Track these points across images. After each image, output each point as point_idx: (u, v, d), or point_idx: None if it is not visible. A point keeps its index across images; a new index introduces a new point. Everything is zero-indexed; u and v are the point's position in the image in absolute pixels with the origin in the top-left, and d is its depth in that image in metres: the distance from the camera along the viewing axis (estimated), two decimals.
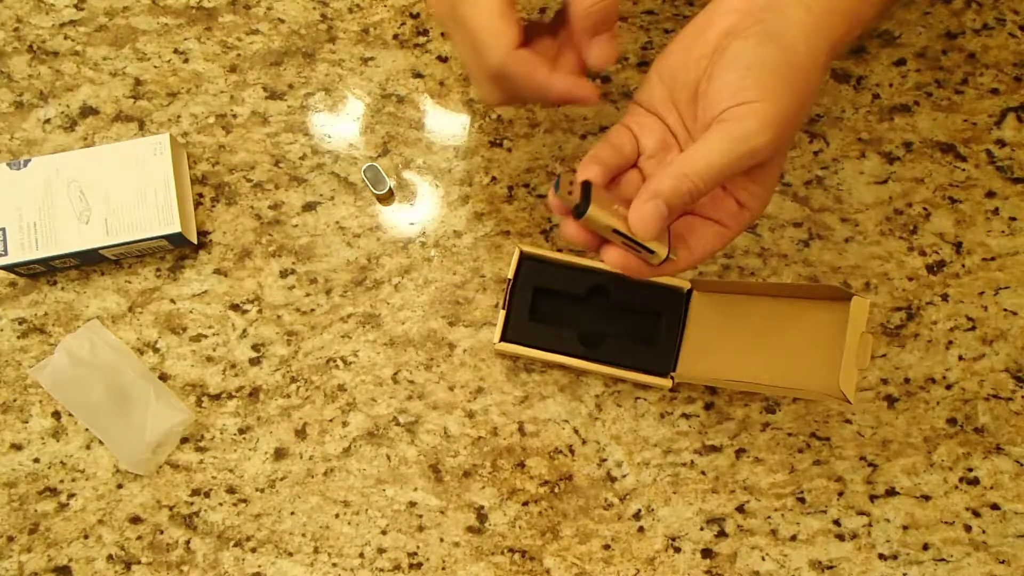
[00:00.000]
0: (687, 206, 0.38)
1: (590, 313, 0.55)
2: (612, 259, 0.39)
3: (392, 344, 0.56)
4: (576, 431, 0.55)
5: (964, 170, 0.58)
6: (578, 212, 0.38)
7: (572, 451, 0.55)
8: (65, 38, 0.60)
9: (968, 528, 0.54)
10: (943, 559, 0.54)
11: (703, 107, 0.39)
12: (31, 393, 0.56)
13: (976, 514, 0.54)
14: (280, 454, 0.55)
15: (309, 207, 0.58)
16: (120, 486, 0.55)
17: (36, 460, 0.55)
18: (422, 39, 0.60)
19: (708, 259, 0.41)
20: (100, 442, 0.55)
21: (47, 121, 0.59)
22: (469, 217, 0.58)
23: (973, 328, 0.56)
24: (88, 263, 0.56)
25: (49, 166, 0.55)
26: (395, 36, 0.60)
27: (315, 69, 0.60)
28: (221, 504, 0.55)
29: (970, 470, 0.55)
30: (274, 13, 0.60)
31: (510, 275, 0.54)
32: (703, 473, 0.55)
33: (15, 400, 0.56)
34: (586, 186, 0.38)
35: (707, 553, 0.54)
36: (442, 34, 0.60)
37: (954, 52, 0.59)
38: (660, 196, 0.37)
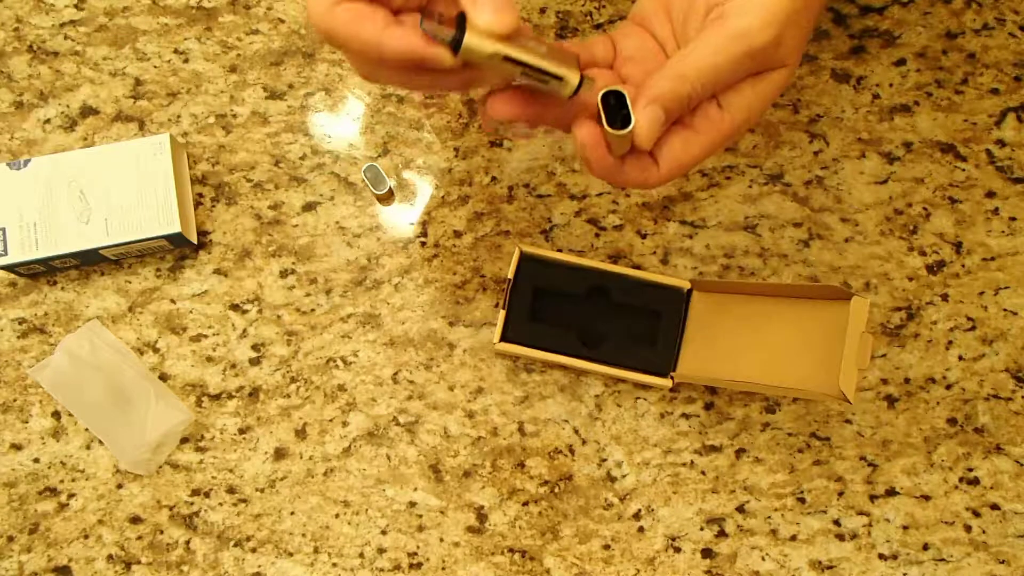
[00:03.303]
0: (684, 111, 0.35)
1: (590, 313, 0.55)
2: (502, 107, 0.34)
3: (392, 344, 0.56)
4: (576, 431, 0.55)
5: (964, 170, 0.58)
6: (455, 44, 0.31)
7: (572, 451, 0.55)
8: (65, 38, 0.60)
9: (968, 528, 0.54)
10: (943, 559, 0.54)
11: (701, 3, 0.36)
12: (31, 393, 0.56)
13: (976, 514, 0.54)
14: (280, 454, 0.55)
15: (309, 207, 0.58)
16: (120, 486, 0.55)
17: (36, 460, 0.55)
18: None
19: (680, 173, 0.36)
20: (100, 442, 0.55)
21: (47, 121, 0.59)
22: (469, 217, 0.58)
23: (973, 328, 0.56)
24: (88, 263, 0.56)
25: (49, 166, 0.55)
26: None
27: (315, 69, 0.60)
28: (221, 504, 0.55)
29: (970, 470, 0.55)
30: (274, 13, 0.60)
31: (510, 275, 0.54)
32: (703, 473, 0.55)
33: (15, 400, 0.56)
34: (461, 15, 0.32)
35: (707, 553, 0.54)
36: None
37: (954, 52, 0.59)
38: (657, 101, 0.33)
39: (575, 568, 0.54)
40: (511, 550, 0.54)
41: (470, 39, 0.31)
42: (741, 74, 0.35)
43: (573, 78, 0.33)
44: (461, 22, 0.31)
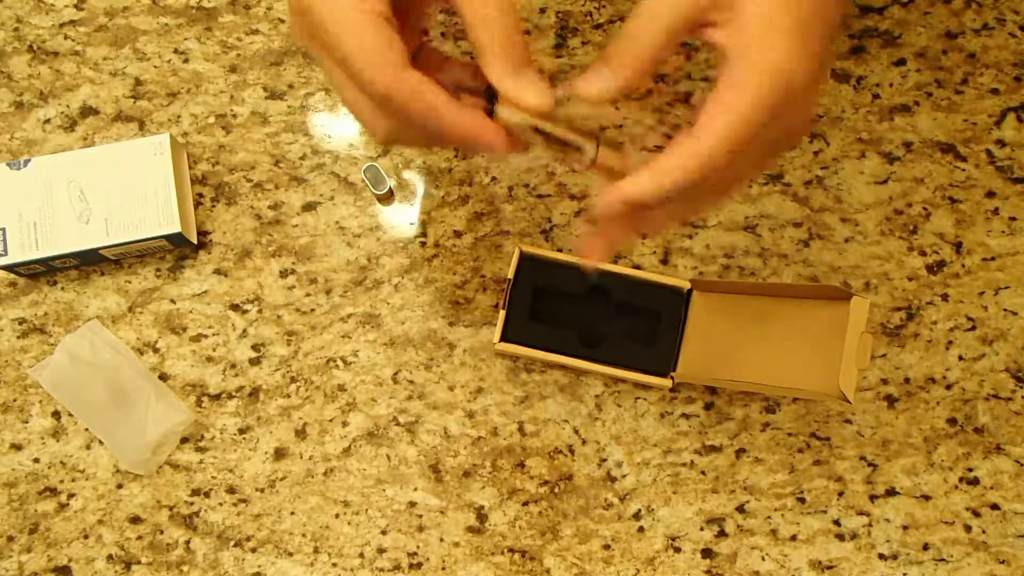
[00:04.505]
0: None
1: (590, 313, 0.55)
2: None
3: (392, 344, 0.56)
4: (576, 431, 0.55)
5: (964, 170, 0.58)
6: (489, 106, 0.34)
7: (572, 451, 0.55)
8: (65, 38, 0.60)
9: (968, 528, 0.54)
10: (943, 559, 0.54)
11: None
12: (31, 393, 0.56)
13: (976, 514, 0.54)
14: (280, 454, 0.55)
15: (309, 207, 0.58)
16: (120, 486, 0.55)
17: (36, 460, 0.55)
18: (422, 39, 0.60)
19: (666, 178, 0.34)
20: (100, 442, 0.55)
21: (47, 121, 0.59)
22: (469, 217, 0.58)
23: (973, 328, 0.56)
24: (88, 263, 0.56)
25: (49, 166, 0.55)
26: None
27: (315, 69, 0.60)
28: (221, 504, 0.55)
29: (970, 470, 0.55)
30: (274, 13, 0.60)
31: (510, 275, 0.54)
32: (703, 473, 0.55)
33: (15, 400, 0.56)
34: (489, 88, 0.34)
35: (707, 553, 0.54)
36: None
37: (954, 52, 0.59)
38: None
39: (575, 568, 0.54)
40: (511, 550, 0.54)
41: (509, 114, 0.34)
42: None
43: (591, 149, 0.35)
44: (492, 94, 0.34)
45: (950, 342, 0.56)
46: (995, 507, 0.54)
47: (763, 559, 0.54)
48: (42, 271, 0.56)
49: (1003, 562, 0.54)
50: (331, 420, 0.55)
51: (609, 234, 0.38)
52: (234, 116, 0.59)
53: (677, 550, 0.54)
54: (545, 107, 0.34)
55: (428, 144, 0.37)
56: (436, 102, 0.33)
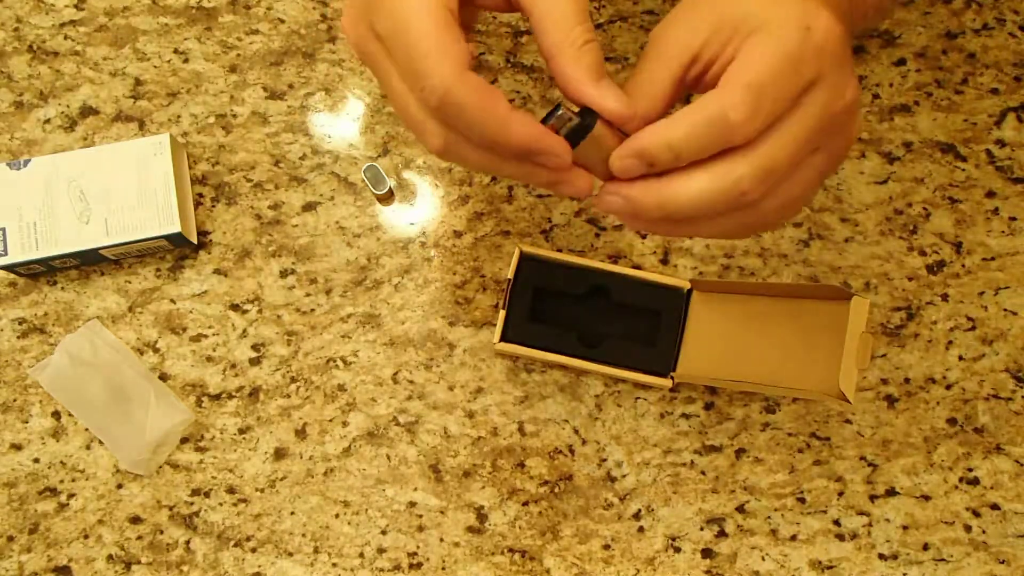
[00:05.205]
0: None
1: (590, 313, 0.55)
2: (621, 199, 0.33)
3: (392, 344, 0.56)
4: (576, 431, 0.55)
5: (964, 170, 0.58)
6: (582, 131, 0.32)
7: (572, 451, 0.55)
8: (65, 38, 0.60)
9: (968, 528, 0.54)
10: (943, 559, 0.54)
11: None
12: (31, 393, 0.56)
13: (976, 514, 0.54)
14: (280, 454, 0.55)
15: (309, 207, 0.58)
16: (120, 486, 0.55)
17: (36, 460, 0.55)
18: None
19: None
20: (100, 442, 0.55)
21: (47, 121, 0.59)
22: (469, 217, 0.58)
23: (973, 328, 0.56)
24: (88, 263, 0.56)
25: (49, 166, 0.55)
26: None
27: (315, 69, 0.60)
28: (221, 504, 0.55)
29: (970, 470, 0.55)
30: (274, 13, 0.60)
31: (510, 275, 0.54)
32: (703, 473, 0.55)
33: (15, 400, 0.56)
34: (588, 114, 0.32)
35: (707, 553, 0.54)
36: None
37: (954, 52, 0.59)
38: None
39: (575, 568, 0.54)
40: (511, 550, 0.54)
41: (601, 130, 0.32)
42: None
43: None
44: (584, 115, 0.32)
45: (950, 342, 0.56)
46: (995, 507, 0.54)
47: (763, 559, 0.54)
48: (42, 271, 0.56)
49: (1003, 562, 0.54)
50: (331, 420, 0.55)
51: (638, 211, 0.34)
52: (234, 116, 0.59)
53: (677, 550, 0.54)
54: (628, 112, 0.32)
55: (485, 160, 0.33)
56: (497, 105, 0.30)
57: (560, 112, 0.32)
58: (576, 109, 0.33)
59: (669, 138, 0.31)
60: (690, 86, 0.34)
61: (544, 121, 0.32)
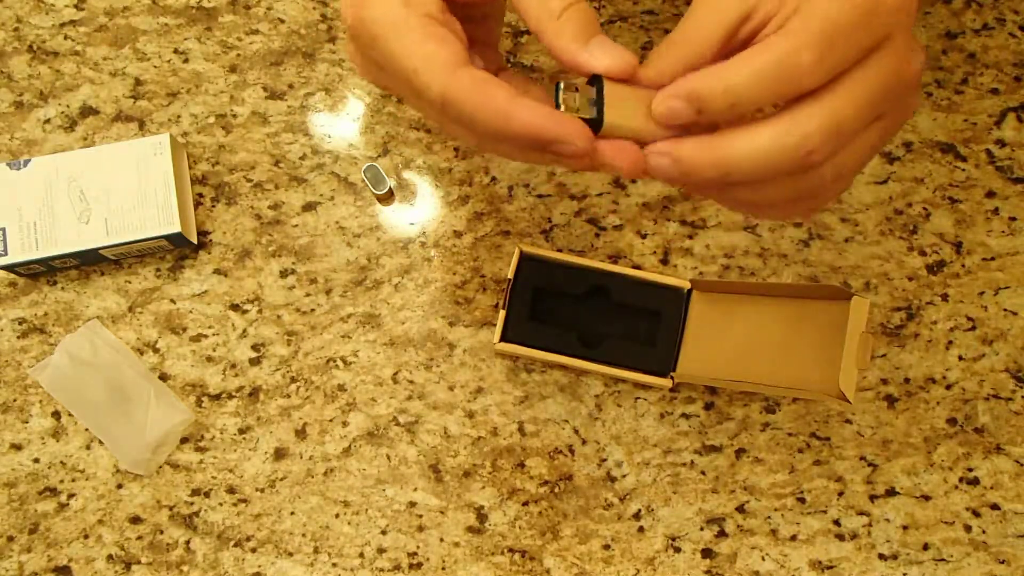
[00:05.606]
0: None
1: (590, 313, 0.55)
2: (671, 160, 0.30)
3: (392, 344, 0.56)
4: (576, 431, 0.55)
5: (964, 170, 0.58)
6: (594, 125, 0.30)
7: (572, 451, 0.55)
8: (65, 38, 0.60)
9: (968, 528, 0.54)
10: (943, 559, 0.54)
11: None
12: (31, 393, 0.56)
13: (976, 514, 0.54)
14: (280, 454, 0.55)
15: (309, 207, 0.58)
16: (120, 486, 0.55)
17: (36, 460, 0.55)
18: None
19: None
20: (100, 442, 0.55)
21: (47, 121, 0.59)
22: (469, 217, 0.58)
23: (973, 328, 0.56)
24: (88, 263, 0.56)
25: (49, 166, 0.55)
26: None
27: (315, 69, 0.60)
28: (221, 504, 0.55)
29: (970, 470, 0.55)
30: (274, 13, 0.60)
31: (510, 275, 0.54)
32: (703, 473, 0.55)
33: (15, 400, 0.56)
34: (596, 81, 0.30)
35: (707, 553, 0.54)
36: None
37: (954, 52, 0.59)
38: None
39: (575, 568, 0.54)
40: (511, 550, 0.54)
41: (612, 117, 0.29)
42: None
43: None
44: (599, 89, 0.30)
45: (950, 342, 0.56)
46: (995, 507, 0.54)
47: (763, 559, 0.54)
48: (42, 271, 0.56)
49: (1003, 562, 0.54)
50: (331, 420, 0.55)
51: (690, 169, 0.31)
52: (234, 116, 0.59)
53: (677, 550, 0.54)
54: (629, 68, 0.29)
55: (515, 151, 0.31)
56: (496, 99, 0.29)
57: (562, 89, 0.30)
58: (583, 81, 0.31)
59: (728, 82, 0.28)
60: (737, 47, 0.31)
61: (557, 106, 0.30)
